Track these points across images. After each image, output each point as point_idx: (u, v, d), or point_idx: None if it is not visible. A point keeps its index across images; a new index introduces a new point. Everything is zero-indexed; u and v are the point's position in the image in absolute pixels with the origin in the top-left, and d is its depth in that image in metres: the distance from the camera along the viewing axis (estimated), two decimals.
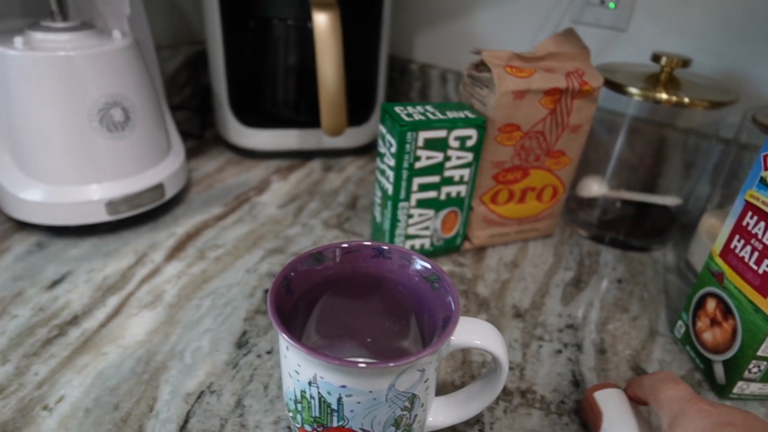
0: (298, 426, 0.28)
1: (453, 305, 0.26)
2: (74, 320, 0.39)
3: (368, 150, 0.72)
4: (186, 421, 0.32)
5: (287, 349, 0.25)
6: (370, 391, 0.24)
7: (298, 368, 0.25)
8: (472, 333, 0.27)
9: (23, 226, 0.49)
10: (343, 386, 0.24)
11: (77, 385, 0.34)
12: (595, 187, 0.58)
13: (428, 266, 0.29)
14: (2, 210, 0.48)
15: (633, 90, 0.48)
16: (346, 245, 0.30)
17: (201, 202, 0.56)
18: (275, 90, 0.65)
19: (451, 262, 0.50)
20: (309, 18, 0.61)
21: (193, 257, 0.47)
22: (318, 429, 0.26)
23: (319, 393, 0.25)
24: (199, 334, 0.39)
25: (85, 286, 0.43)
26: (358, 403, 0.24)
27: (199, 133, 0.71)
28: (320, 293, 0.30)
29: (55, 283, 0.43)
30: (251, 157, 0.67)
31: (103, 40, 0.46)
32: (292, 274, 0.28)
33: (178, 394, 0.34)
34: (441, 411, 0.30)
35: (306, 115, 0.66)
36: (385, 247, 0.30)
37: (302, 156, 0.68)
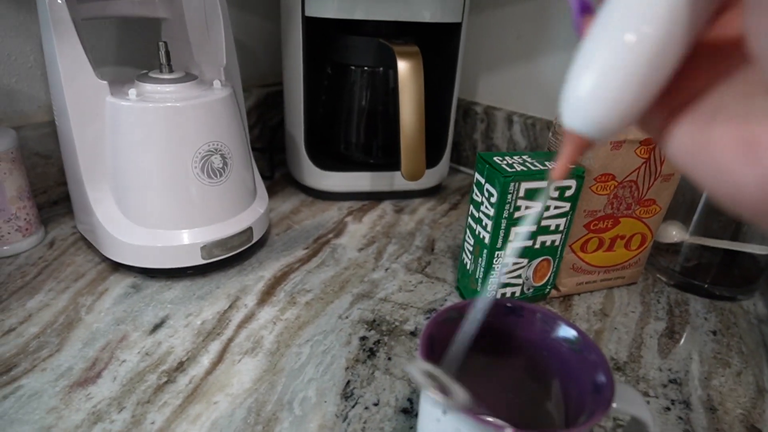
0: None
1: (605, 376, 0.26)
2: (180, 366, 0.40)
3: (436, 191, 0.72)
4: None
5: (444, 413, 0.25)
6: None
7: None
8: (624, 402, 0.26)
9: (117, 267, 0.50)
10: None
11: None
12: (675, 233, 0.57)
13: (574, 333, 0.29)
14: (100, 251, 0.50)
15: None
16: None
17: (282, 244, 0.57)
18: (349, 133, 0.67)
19: None
20: (384, 64, 0.62)
21: (284, 302, 0.48)
22: None
23: None
24: (304, 383, 0.39)
25: (185, 330, 0.44)
26: None
27: (269, 173, 0.73)
28: None
29: (156, 327, 0.44)
30: (323, 198, 0.68)
31: (205, 91, 0.48)
32: (434, 334, 0.28)
33: None
34: None
35: (378, 157, 0.67)
36: (520, 306, 0.30)
37: (373, 197, 0.68)
